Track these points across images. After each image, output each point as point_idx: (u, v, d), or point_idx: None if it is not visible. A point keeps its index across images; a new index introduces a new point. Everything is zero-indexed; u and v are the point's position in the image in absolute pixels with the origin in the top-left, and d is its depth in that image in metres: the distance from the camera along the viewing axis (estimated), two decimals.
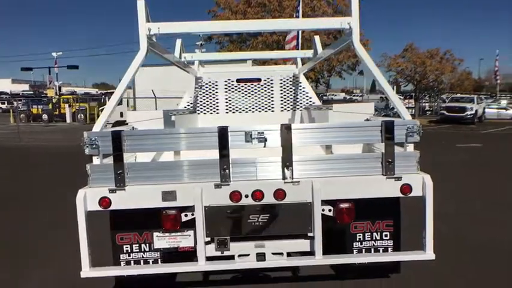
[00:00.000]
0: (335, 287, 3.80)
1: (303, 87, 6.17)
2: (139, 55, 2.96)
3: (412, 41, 36.49)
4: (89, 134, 2.92)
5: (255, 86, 6.16)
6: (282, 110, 6.18)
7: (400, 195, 3.01)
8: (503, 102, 34.20)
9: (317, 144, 3.23)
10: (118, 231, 3.36)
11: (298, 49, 15.22)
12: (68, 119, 33.34)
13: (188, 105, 6.05)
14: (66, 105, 34.09)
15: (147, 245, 3.35)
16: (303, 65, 6.12)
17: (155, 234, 3.13)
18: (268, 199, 2.96)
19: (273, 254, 2.99)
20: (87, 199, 2.89)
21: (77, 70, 40.44)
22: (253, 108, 6.14)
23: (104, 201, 2.90)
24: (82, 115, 32.53)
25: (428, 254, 3.01)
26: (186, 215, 3.04)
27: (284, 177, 2.95)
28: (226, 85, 6.12)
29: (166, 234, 3.13)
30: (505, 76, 47.76)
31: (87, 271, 2.93)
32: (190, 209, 3.04)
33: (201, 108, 6.10)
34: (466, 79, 42.90)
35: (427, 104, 35.01)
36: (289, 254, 3.05)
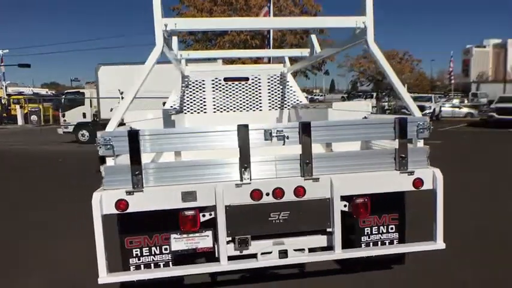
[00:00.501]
0: (343, 281, 3.86)
1: (291, 86, 6.23)
2: (155, 51, 2.87)
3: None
4: (103, 134, 2.79)
5: (243, 85, 6.15)
6: (270, 109, 6.21)
7: (413, 189, 3.13)
8: (455, 101, 36.30)
9: (336, 142, 3.28)
10: (127, 235, 3.24)
11: (269, 47, 15.34)
12: (20, 121, 31.52)
13: (174, 105, 5.93)
14: (17, 107, 32.17)
15: (158, 248, 3.25)
16: (291, 64, 6.17)
17: (172, 236, 3.05)
18: (289, 196, 2.97)
19: (295, 250, 3.01)
20: (102, 202, 2.77)
21: (27, 69, 37.99)
22: (241, 108, 6.12)
23: (121, 204, 2.79)
24: (35, 117, 30.82)
25: (439, 243, 3.15)
26: (203, 215, 2.99)
27: (304, 175, 2.98)
28: (213, 84, 6.06)
29: (184, 235, 3.05)
30: (456, 76, 50.60)
31: (104, 277, 2.81)
32: (208, 209, 3.00)
33: (188, 108, 6.00)
34: (424, 79, 45.00)
35: (385, 104, 36.44)
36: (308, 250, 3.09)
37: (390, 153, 3.13)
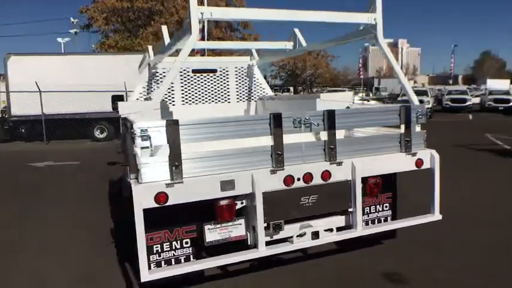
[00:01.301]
0: (343, 259, 4.11)
1: (257, 79, 6.36)
2: (191, 39, 2.79)
3: None
4: (141, 125, 2.66)
5: (211, 77, 6.11)
6: (238, 101, 6.27)
7: (415, 168, 3.52)
8: (361, 95, 39.63)
9: (356, 128, 3.51)
10: (147, 231, 3.11)
11: (204, 39, 15.10)
12: None
13: (141, 96, 5.69)
14: None
15: (179, 242, 3.19)
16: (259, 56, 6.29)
17: (206, 227, 3.01)
18: (317, 180, 3.14)
19: (325, 231, 3.20)
20: (141, 196, 2.65)
21: None
22: (209, 100, 6.08)
23: (161, 197, 2.69)
24: None
25: (436, 215, 3.60)
26: (236, 204, 3.03)
27: (329, 159, 3.17)
28: (181, 75, 5.93)
29: (218, 226, 3.04)
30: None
31: (146, 275, 2.69)
32: (240, 197, 3.03)
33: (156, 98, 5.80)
34: (338, 74, 48.06)
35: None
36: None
37: (396, 138, 3.47)
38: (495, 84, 47.23)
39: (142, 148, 2.68)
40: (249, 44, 5.15)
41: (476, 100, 27.76)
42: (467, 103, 25.24)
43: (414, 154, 3.49)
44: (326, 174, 3.16)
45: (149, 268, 3.08)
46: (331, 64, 35.76)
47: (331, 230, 3.23)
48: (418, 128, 3.59)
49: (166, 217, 3.05)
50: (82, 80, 14.17)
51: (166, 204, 2.72)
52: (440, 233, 4.29)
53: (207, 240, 3.03)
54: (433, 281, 3.45)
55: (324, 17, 3.22)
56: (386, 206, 3.93)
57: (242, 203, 3.06)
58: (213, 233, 3.06)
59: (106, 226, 5.06)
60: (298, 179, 3.08)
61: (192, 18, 2.75)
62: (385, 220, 3.92)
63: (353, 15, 3.32)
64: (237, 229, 3.12)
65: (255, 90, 6.35)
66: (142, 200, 2.64)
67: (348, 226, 3.40)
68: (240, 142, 3.04)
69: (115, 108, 7.95)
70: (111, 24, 23.54)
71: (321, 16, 3.20)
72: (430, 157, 3.54)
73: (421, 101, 4.03)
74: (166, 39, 4.39)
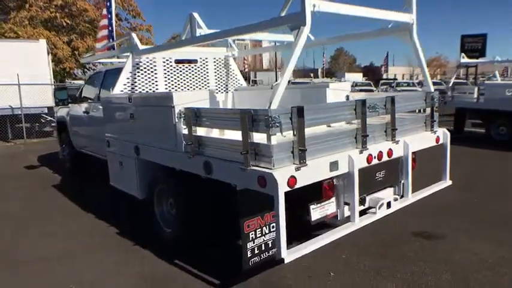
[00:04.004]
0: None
1: (233, 70, 6.48)
2: (305, 31, 2.91)
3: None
4: (272, 111, 2.72)
5: (192, 67, 6.03)
6: (217, 92, 6.30)
7: (435, 143, 4.27)
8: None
9: (407, 111, 4.04)
10: (246, 218, 3.17)
11: (111, 30, 13.96)
12: None
13: (126, 86, 5.33)
14: None
15: (267, 227, 3.32)
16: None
17: (311, 207, 3.20)
18: (385, 157, 3.61)
19: (394, 201, 3.69)
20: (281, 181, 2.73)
21: None
22: (190, 89, 6.00)
23: (292, 181, 2.81)
24: None
25: (448, 181, 4.43)
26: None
27: (392, 139, 3.67)
28: (164, 65, 5.72)
29: (319, 205, 3.26)
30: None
31: (286, 256, 2.78)
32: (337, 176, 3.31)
33: (140, 89, 5.49)
34: None
35: None
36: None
37: (422, 118, 4.17)
38: (351, 77, 54.57)
39: (272, 135, 2.75)
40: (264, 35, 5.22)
41: None
42: None
43: (435, 132, 4.24)
44: (390, 152, 3.65)
45: (247, 256, 3.15)
46: None
47: (395, 199, 3.75)
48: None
49: (261, 203, 3.14)
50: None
51: (295, 187, 2.84)
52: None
53: (313, 219, 3.23)
54: (456, 232, 4.30)
55: (363, 13, 3.58)
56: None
57: (333, 182, 3.35)
58: (315, 212, 3.28)
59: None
60: (375, 157, 3.49)
61: (307, 11, 2.88)
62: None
63: (391, 13, 3.81)
64: (331, 207, 3.40)
65: (231, 81, 6.47)
66: (282, 184, 2.71)
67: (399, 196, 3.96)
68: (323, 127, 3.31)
69: (58, 103, 7.07)
70: None
71: (360, 11, 3.55)
72: (443, 134, 4.33)
73: None
74: (198, 29, 4.25)
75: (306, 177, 2.91)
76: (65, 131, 7.88)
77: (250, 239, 3.20)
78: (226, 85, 6.43)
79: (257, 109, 2.82)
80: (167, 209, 4.29)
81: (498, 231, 4.39)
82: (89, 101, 6.68)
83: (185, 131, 3.55)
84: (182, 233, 3.98)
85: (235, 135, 3.08)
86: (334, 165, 3.12)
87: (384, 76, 54.66)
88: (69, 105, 7.49)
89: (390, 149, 3.65)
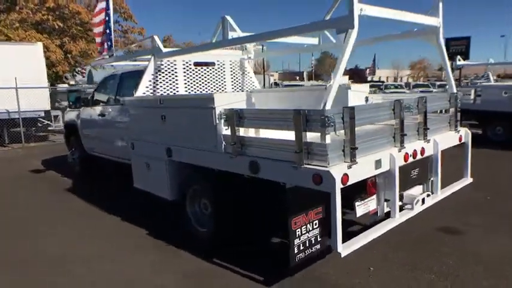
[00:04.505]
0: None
1: (248, 72, 6.59)
2: (354, 34, 3.04)
3: (171, 33, 37.78)
4: (328, 112, 2.84)
5: (210, 69, 6.12)
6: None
7: (458, 142, 4.46)
8: None
9: (437, 110, 4.22)
10: (294, 215, 3.27)
11: (109, 33, 13.84)
12: None
13: (148, 89, 5.40)
14: None
15: (311, 224, 3.42)
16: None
17: (356, 203, 3.33)
18: (418, 156, 3.76)
19: (427, 196, 3.85)
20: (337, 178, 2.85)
21: None
22: (209, 91, 6.08)
23: (345, 178, 2.93)
24: None
25: (469, 179, 4.62)
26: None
27: (424, 138, 3.83)
28: (184, 67, 5.80)
29: (362, 202, 3.39)
30: None
31: (341, 250, 2.90)
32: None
33: (162, 91, 5.56)
34: None
35: None
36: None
37: (447, 119, 4.35)
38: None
39: (327, 134, 2.87)
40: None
41: None
42: None
43: (458, 131, 4.42)
44: (422, 150, 3.80)
45: (294, 252, 3.25)
46: None
47: (428, 196, 3.91)
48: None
49: (308, 200, 3.26)
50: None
51: (347, 184, 2.96)
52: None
53: (357, 215, 3.36)
54: (477, 227, 4.49)
55: (399, 16, 3.75)
56: None
57: (378, 179, 3.49)
58: (360, 209, 3.41)
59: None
60: (410, 155, 3.65)
61: (355, 14, 3.01)
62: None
63: (419, 16, 3.98)
64: (372, 203, 3.53)
65: (246, 83, 6.57)
66: (338, 181, 2.83)
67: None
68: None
69: (71, 106, 7.08)
70: None
71: (397, 15, 3.72)
72: (465, 133, 4.53)
73: None
74: (231, 32, 4.34)
75: (356, 174, 3.04)
76: (75, 134, 7.83)
77: (297, 235, 3.29)
78: (242, 87, 6.53)
79: (310, 109, 2.94)
80: (201, 208, 4.35)
81: None
82: (104, 103, 6.70)
83: (226, 132, 3.64)
84: (218, 232, 4.05)
85: (280, 134, 3.20)
86: (378, 163, 3.26)
87: (369, 78, 55.60)
88: (81, 108, 7.47)
89: (423, 148, 3.81)
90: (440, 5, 4.10)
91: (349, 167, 2.97)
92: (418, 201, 3.71)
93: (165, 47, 5.49)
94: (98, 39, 13.80)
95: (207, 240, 4.18)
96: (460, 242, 4.19)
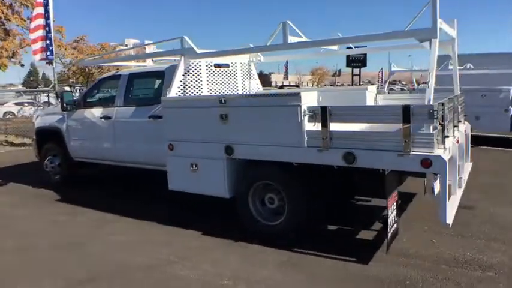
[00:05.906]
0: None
1: (254, 74, 6.89)
2: (437, 42, 3.64)
3: (85, 34, 34.95)
4: (435, 107, 3.39)
5: (226, 71, 6.29)
6: None
7: (467, 132, 5.41)
8: None
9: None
10: (389, 196, 3.77)
11: (49, 40, 12.54)
12: None
13: (179, 91, 5.42)
14: None
15: (395, 204, 3.96)
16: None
17: (435, 183, 3.94)
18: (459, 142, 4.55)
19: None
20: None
21: None
22: (224, 91, 6.23)
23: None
24: None
25: (470, 163, 5.60)
26: None
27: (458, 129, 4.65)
28: (207, 69, 5.90)
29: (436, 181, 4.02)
30: None
31: (450, 222, 3.49)
32: None
33: (189, 92, 5.60)
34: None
35: None
36: None
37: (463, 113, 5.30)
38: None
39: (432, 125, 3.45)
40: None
41: None
42: None
43: (465, 123, 5.39)
44: (458, 139, 4.61)
45: (389, 227, 3.75)
46: None
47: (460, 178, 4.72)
48: None
49: (394, 185, 3.81)
50: None
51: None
52: None
53: (435, 194, 3.97)
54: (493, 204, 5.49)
55: (449, 30, 4.55)
56: None
57: None
58: (437, 188, 4.01)
59: None
60: (457, 142, 4.40)
61: (438, 26, 3.63)
62: None
63: (448, 29, 4.82)
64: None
65: (252, 85, 6.86)
66: (447, 163, 3.41)
67: None
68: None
69: (66, 107, 6.77)
70: None
71: (447, 29, 4.51)
72: (466, 124, 5.51)
73: None
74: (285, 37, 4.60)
75: (447, 158, 3.65)
76: (55, 140, 7.15)
77: (389, 214, 3.80)
78: (249, 88, 6.79)
79: (416, 104, 3.47)
80: (265, 203, 4.56)
81: None
82: (107, 105, 6.34)
83: (312, 128, 3.96)
84: (294, 222, 4.33)
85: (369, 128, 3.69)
86: (450, 150, 3.93)
87: (286, 83, 59.79)
88: (65, 111, 6.86)
89: (459, 137, 4.62)
90: (456, 20, 4.97)
91: (444, 151, 3.57)
92: (462, 180, 4.50)
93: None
94: (36, 45, 12.73)
95: (282, 232, 4.40)
96: (482, 215, 5.08)
